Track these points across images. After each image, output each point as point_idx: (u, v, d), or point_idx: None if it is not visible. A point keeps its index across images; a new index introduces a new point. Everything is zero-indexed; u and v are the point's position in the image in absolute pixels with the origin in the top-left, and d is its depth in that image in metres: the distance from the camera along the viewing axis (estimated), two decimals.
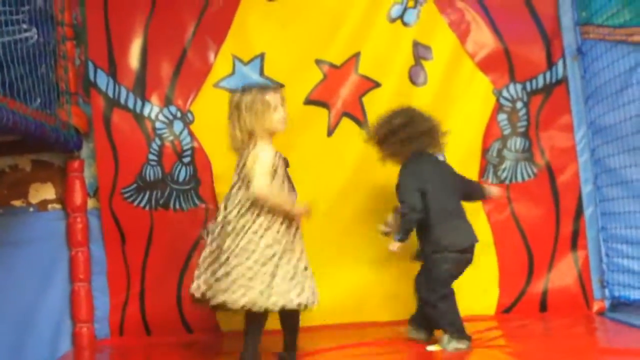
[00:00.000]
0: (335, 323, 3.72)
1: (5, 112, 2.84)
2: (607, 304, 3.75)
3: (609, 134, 3.68)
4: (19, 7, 3.35)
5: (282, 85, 3.52)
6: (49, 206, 3.80)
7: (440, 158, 3.57)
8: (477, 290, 3.75)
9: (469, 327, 3.45)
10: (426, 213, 3.11)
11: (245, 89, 3.07)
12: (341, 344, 3.27)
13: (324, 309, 3.65)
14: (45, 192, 3.82)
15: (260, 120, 2.97)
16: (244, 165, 2.96)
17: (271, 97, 3.00)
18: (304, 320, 3.62)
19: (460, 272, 3.18)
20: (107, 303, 3.74)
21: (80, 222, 3.74)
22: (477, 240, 3.19)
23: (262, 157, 2.92)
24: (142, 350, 3.51)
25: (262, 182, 2.87)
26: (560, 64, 3.88)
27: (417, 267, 3.53)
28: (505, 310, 3.77)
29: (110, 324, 3.73)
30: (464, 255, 3.15)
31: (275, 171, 2.96)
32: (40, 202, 3.80)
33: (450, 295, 3.14)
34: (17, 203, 3.80)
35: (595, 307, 3.75)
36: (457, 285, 3.68)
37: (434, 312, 3.14)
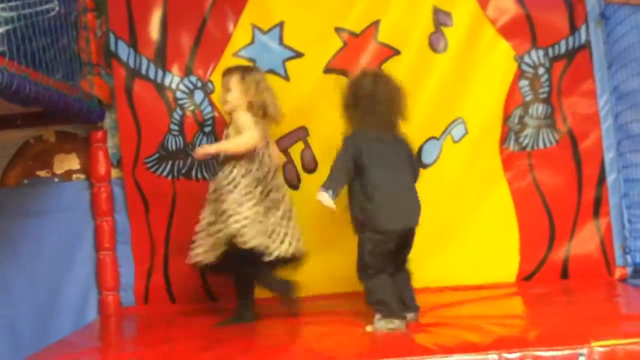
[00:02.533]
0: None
1: (27, 84, 2.88)
2: (629, 270, 3.72)
3: (632, 100, 3.63)
4: None
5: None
6: (74, 176, 3.87)
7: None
8: (498, 257, 3.76)
9: (489, 295, 3.50)
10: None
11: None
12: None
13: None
14: (70, 162, 3.88)
15: None
16: None
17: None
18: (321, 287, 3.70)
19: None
20: (132, 271, 3.81)
21: (105, 192, 3.80)
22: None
23: None
24: (166, 317, 3.58)
25: None
26: (583, 29, 3.81)
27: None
28: (526, 277, 3.76)
29: (135, 292, 3.81)
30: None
31: None
32: (64, 172, 3.87)
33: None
34: (42, 174, 3.87)
35: (617, 273, 3.72)
36: (477, 252, 3.74)
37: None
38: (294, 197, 3.77)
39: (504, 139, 3.82)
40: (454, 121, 3.84)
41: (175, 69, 3.83)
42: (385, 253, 2.95)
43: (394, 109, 3.07)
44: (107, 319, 3.70)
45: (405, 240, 3.02)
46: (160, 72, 3.82)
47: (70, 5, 3.64)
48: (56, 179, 3.86)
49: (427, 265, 3.67)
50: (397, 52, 3.84)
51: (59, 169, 3.87)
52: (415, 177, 3.16)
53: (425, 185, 3.71)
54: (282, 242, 3.21)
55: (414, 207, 3.04)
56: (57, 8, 3.48)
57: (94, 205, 3.81)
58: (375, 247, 2.93)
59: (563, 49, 3.83)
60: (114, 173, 3.84)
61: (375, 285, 2.94)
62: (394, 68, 3.78)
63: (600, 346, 2.47)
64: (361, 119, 3.05)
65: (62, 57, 3.44)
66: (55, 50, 3.35)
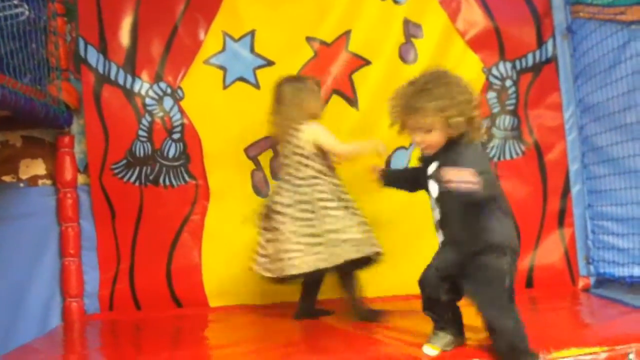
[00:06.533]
0: (323, 298, 3.73)
1: None
2: (592, 280, 3.78)
3: (596, 112, 3.69)
4: None
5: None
6: (40, 182, 3.82)
7: None
8: None
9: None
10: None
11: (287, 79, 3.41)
12: None
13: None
14: (36, 167, 3.83)
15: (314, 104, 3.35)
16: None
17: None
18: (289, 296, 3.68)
19: None
20: (97, 278, 3.77)
21: (71, 198, 3.76)
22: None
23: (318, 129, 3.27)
24: (131, 324, 3.55)
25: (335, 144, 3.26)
26: (550, 42, 3.88)
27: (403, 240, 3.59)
28: None
29: (100, 299, 3.76)
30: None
31: None
32: (30, 177, 3.82)
33: None
34: (7, 179, 3.82)
35: (581, 283, 3.78)
36: None
37: None
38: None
39: None
40: None
41: (144, 75, 3.82)
42: None
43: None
44: (70, 326, 3.64)
45: None
46: (129, 78, 3.80)
47: (40, 10, 3.62)
48: (22, 184, 3.81)
49: (393, 273, 3.70)
50: (367, 62, 3.87)
51: (24, 174, 3.82)
52: None
53: (394, 194, 3.78)
54: None
55: None
56: (26, 13, 3.46)
57: (59, 211, 3.76)
58: (513, 274, 2.47)
59: (530, 62, 3.89)
60: (81, 179, 3.80)
61: (518, 323, 2.46)
62: (364, 78, 3.85)
63: (561, 355, 2.50)
64: (475, 130, 2.49)
65: (31, 61, 3.43)
66: (23, 55, 3.34)
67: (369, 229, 3.24)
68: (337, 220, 3.15)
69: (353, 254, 3.12)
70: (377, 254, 3.22)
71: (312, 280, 3.29)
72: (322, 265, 3.09)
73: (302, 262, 3.09)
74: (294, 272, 3.10)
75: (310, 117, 3.30)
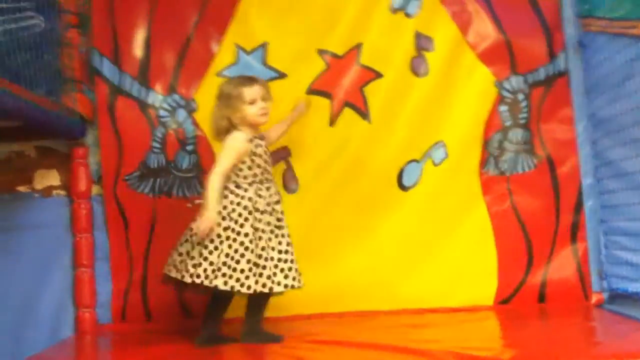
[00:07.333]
0: (333, 312, 3.75)
1: (8, 98, 2.88)
2: (605, 296, 3.75)
3: (609, 126, 3.67)
4: None
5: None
6: (54, 192, 3.84)
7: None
8: (476, 280, 3.78)
9: (466, 318, 3.51)
10: None
11: (228, 80, 3.34)
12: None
13: (322, 296, 3.73)
14: (50, 178, 3.86)
15: (234, 112, 3.17)
16: None
17: (247, 91, 3.16)
18: (299, 308, 3.68)
19: None
20: (109, 289, 3.78)
21: (84, 208, 3.78)
22: None
23: (228, 142, 3.15)
24: (143, 335, 3.55)
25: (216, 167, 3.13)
26: (561, 56, 3.87)
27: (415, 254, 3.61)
28: (504, 301, 3.77)
29: (112, 309, 3.77)
30: None
31: (247, 156, 3.15)
32: (45, 188, 3.85)
33: None
34: (22, 189, 3.84)
35: (594, 299, 3.75)
36: (456, 275, 3.76)
37: None
38: None
39: (483, 164, 3.85)
40: (434, 144, 3.87)
41: (158, 87, 3.84)
42: None
43: None
44: (83, 336, 3.66)
45: None
46: (143, 90, 3.83)
47: (54, 22, 3.65)
48: (36, 195, 3.83)
49: (405, 287, 3.73)
50: (379, 75, 3.88)
51: (39, 185, 3.85)
52: None
53: (406, 207, 3.81)
54: None
55: None
56: (41, 24, 3.49)
57: (73, 221, 3.77)
58: None
59: (542, 76, 3.88)
60: (95, 190, 3.82)
61: None
62: (375, 91, 3.86)
63: None
64: None
65: (45, 72, 3.45)
66: (38, 66, 3.36)
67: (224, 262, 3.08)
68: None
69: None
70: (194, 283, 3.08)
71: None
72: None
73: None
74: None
75: (243, 125, 3.20)
